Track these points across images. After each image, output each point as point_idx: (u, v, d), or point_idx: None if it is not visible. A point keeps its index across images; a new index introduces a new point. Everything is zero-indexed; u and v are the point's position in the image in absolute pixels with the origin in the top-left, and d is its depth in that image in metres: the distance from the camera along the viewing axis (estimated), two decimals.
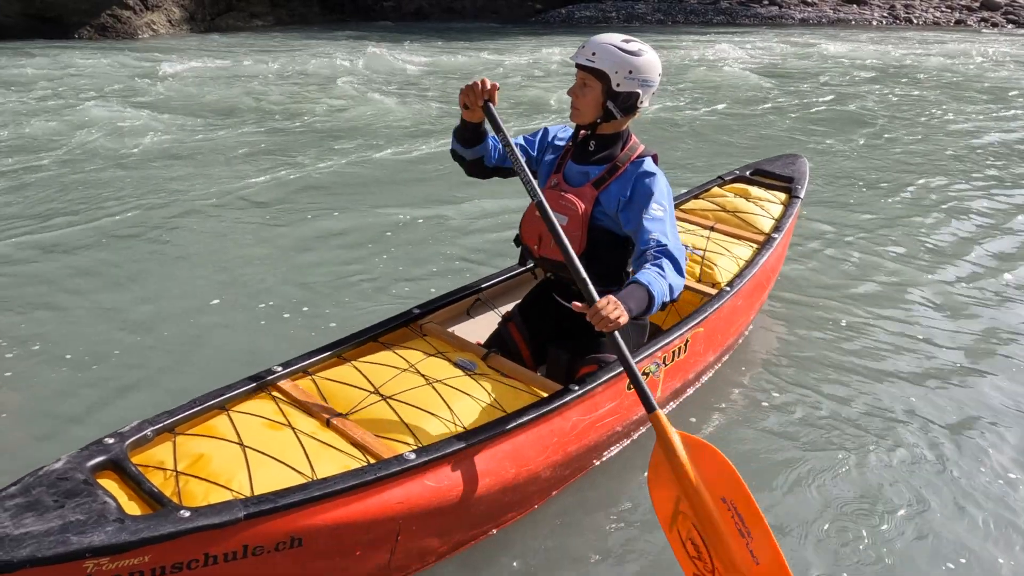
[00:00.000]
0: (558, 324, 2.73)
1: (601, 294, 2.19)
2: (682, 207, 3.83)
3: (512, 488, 2.25)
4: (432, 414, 2.22)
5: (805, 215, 5.32)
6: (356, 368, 2.39)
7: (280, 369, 2.33)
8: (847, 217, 5.55)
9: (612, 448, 2.71)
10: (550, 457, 2.33)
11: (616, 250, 2.53)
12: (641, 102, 2.42)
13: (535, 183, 2.28)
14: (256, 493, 1.83)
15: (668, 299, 2.27)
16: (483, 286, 3.00)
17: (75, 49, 14.26)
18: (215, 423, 2.09)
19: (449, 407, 2.26)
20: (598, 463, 2.67)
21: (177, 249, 4.67)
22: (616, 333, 2.14)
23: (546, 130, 2.70)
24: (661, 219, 2.41)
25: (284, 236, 4.91)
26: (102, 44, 15.60)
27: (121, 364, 3.34)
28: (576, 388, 2.39)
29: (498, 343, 2.77)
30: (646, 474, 2.19)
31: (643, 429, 2.86)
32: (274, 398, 2.24)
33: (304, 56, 13.98)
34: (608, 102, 2.38)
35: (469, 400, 2.30)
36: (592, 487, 2.62)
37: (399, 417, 2.20)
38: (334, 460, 2.01)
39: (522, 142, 2.65)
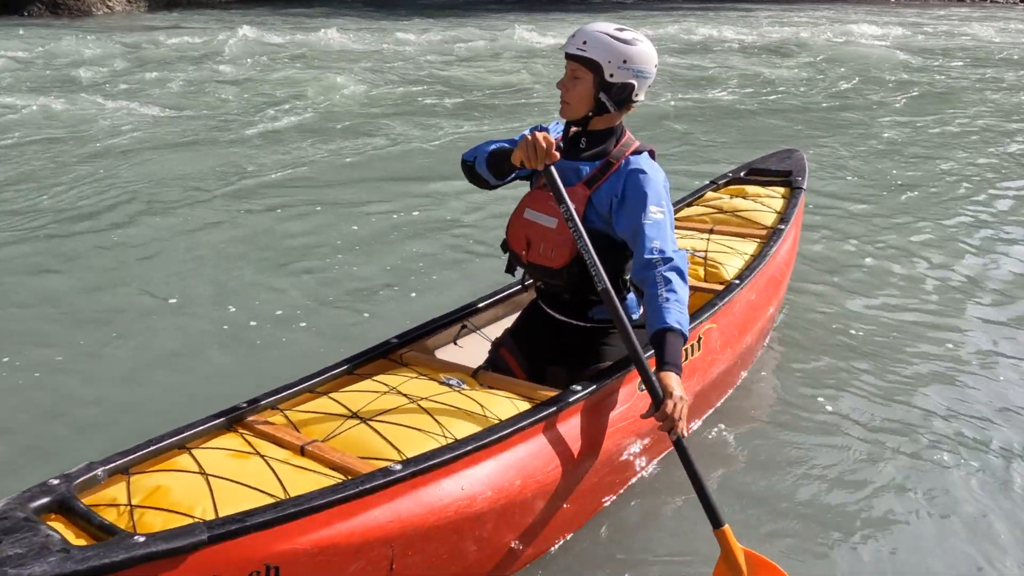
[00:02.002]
0: (554, 341, 2.71)
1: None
2: (676, 216, 3.87)
3: (520, 506, 2.19)
4: (420, 430, 2.17)
5: (811, 207, 5.40)
6: (331, 399, 2.37)
7: (245, 405, 2.30)
8: (857, 211, 5.65)
9: (647, 463, 2.63)
10: (559, 468, 2.26)
11: (612, 255, 2.52)
12: (636, 95, 2.45)
13: (581, 229, 2.29)
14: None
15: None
16: (470, 311, 3.00)
17: (26, 27, 14.33)
18: (176, 460, 2.04)
19: (438, 422, 2.21)
20: (634, 480, 2.58)
21: (130, 259, 4.69)
22: (646, 367, 2.24)
23: (540, 127, 2.69)
24: (661, 223, 2.41)
25: (249, 245, 4.95)
26: (54, 22, 15.74)
27: (67, 402, 3.27)
28: (578, 388, 2.37)
29: (491, 370, 2.71)
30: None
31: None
32: (240, 433, 2.21)
33: (270, 35, 14.16)
34: (600, 94, 2.41)
35: (461, 413, 2.26)
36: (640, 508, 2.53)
37: (382, 437, 2.16)
38: (311, 482, 1.95)
39: (514, 144, 2.61)
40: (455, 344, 2.95)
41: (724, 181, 4.25)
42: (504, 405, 2.34)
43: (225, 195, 5.90)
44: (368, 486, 1.90)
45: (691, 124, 8.96)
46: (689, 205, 4.02)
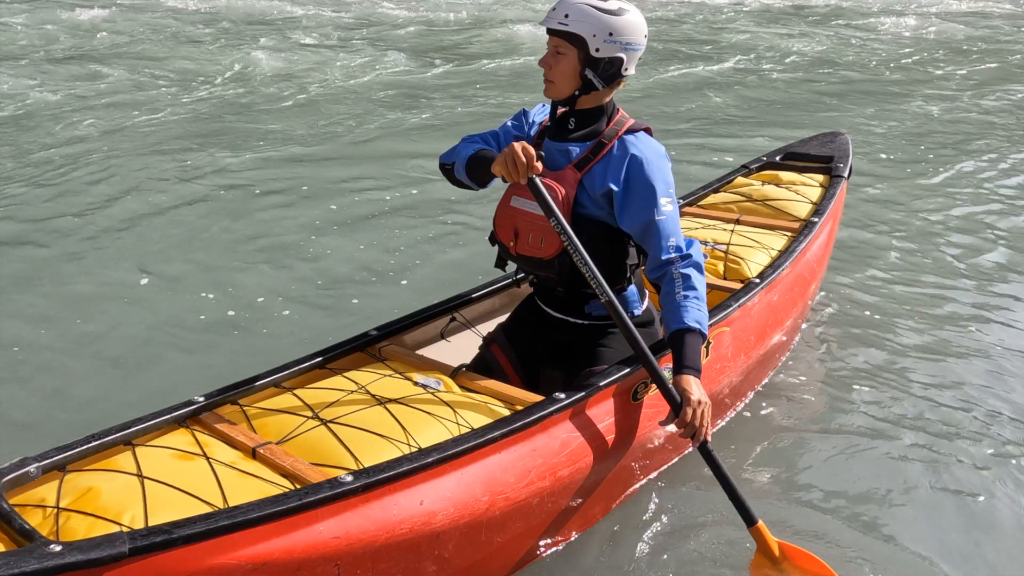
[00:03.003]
0: (549, 340, 2.64)
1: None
2: (700, 203, 3.75)
3: (487, 524, 2.12)
4: (382, 436, 2.11)
5: (853, 192, 5.23)
6: (296, 396, 2.32)
7: (202, 400, 2.27)
8: (901, 198, 5.44)
9: (631, 480, 2.55)
10: (535, 484, 2.18)
11: (609, 244, 2.47)
12: (625, 69, 2.40)
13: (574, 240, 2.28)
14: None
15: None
16: (460, 302, 2.92)
17: None
18: (116, 459, 2.01)
19: (403, 428, 2.15)
20: (623, 499, 2.52)
21: (96, 242, 4.64)
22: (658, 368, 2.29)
23: (524, 113, 2.68)
24: (673, 216, 2.40)
25: (226, 228, 4.90)
26: None
27: (22, 393, 3.26)
28: (562, 396, 2.28)
29: (480, 369, 2.67)
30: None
31: (675, 459, 2.72)
32: (192, 430, 2.18)
33: (247, 2, 14.10)
34: (587, 71, 2.35)
35: (430, 419, 2.19)
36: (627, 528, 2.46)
37: (340, 441, 2.10)
38: (254, 490, 1.90)
39: (500, 134, 2.59)
40: (443, 338, 2.89)
41: (757, 166, 4.08)
42: (480, 411, 2.27)
43: (200, 175, 5.85)
44: (311, 499, 1.84)
45: (725, 98, 8.67)
46: (716, 191, 3.87)
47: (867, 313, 3.91)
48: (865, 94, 9.12)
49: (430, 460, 2.01)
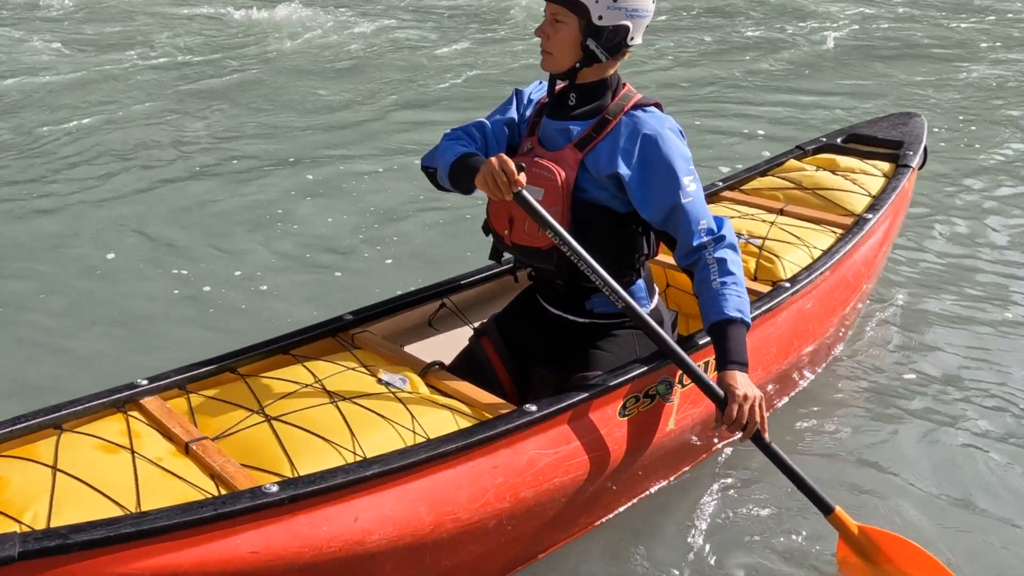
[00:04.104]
0: (546, 339, 2.56)
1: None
2: (742, 188, 3.56)
3: (433, 547, 2.04)
4: (326, 440, 2.06)
5: (926, 193, 4.93)
6: (248, 385, 2.29)
7: (146, 383, 2.24)
8: (976, 191, 5.07)
9: (609, 506, 2.46)
10: (492, 505, 2.11)
11: (614, 232, 2.38)
12: (631, 38, 2.31)
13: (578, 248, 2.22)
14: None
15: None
16: (451, 287, 2.84)
17: None
18: (38, 446, 2.00)
19: (351, 432, 2.09)
20: (596, 525, 2.43)
21: (65, 214, 4.62)
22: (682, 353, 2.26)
23: (518, 93, 2.60)
24: (698, 195, 2.35)
25: (188, 201, 4.81)
26: None
27: None
28: (533, 408, 2.18)
29: (468, 364, 2.60)
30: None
31: (662, 483, 2.61)
32: (128, 417, 2.15)
33: None
34: (588, 41, 2.27)
35: (383, 424, 2.12)
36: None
37: (279, 442, 2.05)
38: (173, 493, 1.87)
39: (486, 126, 2.50)
40: (430, 325, 2.82)
41: (813, 147, 3.86)
42: (441, 418, 2.19)
43: (175, 142, 5.81)
44: (228, 509, 1.79)
45: (781, 65, 8.21)
46: (763, 174, 3.66)
47: (928, 323, 3.71)
48: (961, 63, 8.54)
49: (368, 474, 1.94)
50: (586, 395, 2.26)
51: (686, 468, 2.69)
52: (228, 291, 3.86)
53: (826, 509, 2.31)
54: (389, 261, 4.18)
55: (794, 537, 2.52)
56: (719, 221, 2.36)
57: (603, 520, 2.49)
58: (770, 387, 2.79)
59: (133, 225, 4.48)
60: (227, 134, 5.96)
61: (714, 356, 2.31)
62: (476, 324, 2.74)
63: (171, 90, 7.25)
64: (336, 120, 6.44)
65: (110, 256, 4.03)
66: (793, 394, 3.11)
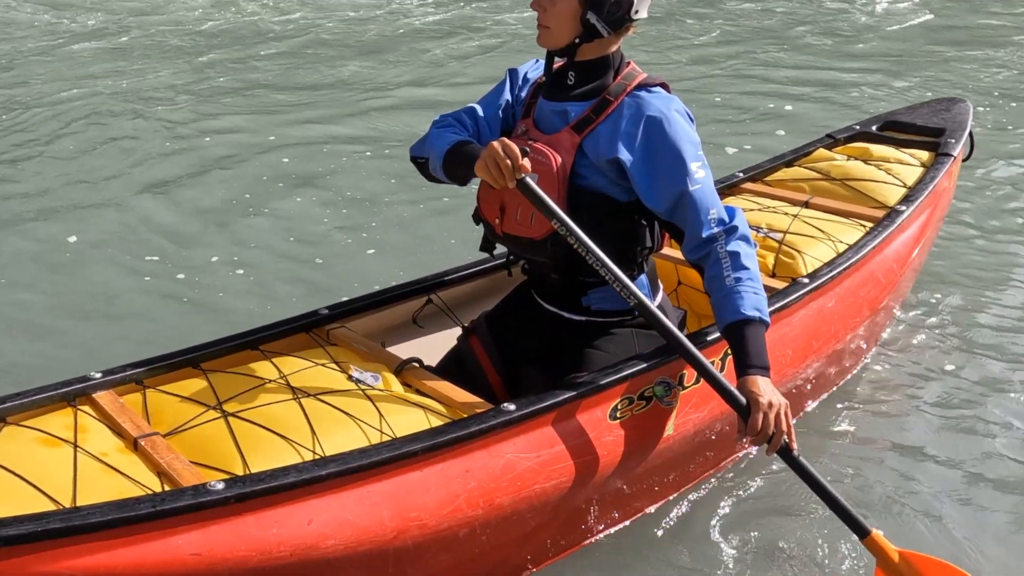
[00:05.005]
0: (539, 336, 2.51)
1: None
2: (765, 179, 3.48)
3: (396, 555, 1.98)
4: (284, 438, 2.01)
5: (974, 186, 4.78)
6: (209, 380, 2.25)
7: (99, 376, 2.22)
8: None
9: (599, 517, 2.38)
10: (463, 512, 2.04)
11: (614, 222, 2.33)
12: (635, 11, 2.27)
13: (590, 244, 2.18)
14: None
15: None
16: (438, 282, 2.81)
17: None
18: None
19: (312, 430, 2.04)
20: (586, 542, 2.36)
21: (27, 191, 4.55)
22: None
23: (512, 73, 2.56)
24: (707, 182, 2.28)
25: (159, 184, 4.73)
26: None
27: None
28: (512, 408, 2.12)
29: (455, 365, 2.57)
30: None
31: (662, 498, 2.55)
32: (78, 411, 2.13)
33: None
34: (588, 14, 2.24)
35: (348, 422, 2.07)
36: None
37: (234, 439, 2.02)
38: (113, 489, 1.83)
39: (478, 112, 2.48)
40: (415, 323, 2.78)
41: (846, 135, 3.78)
42: (412, 417, 2.14)
43: (146, 122, 5.77)
44: (168, 507, 1.76)
45: (815, 45, 7.97)
46: (789, 164, 3.59)
47: (974, 328, 3.61)
48: (1014, 46, 8.28)
49: (324, 473, 1.89)
50: (572, 394, 2.19)
51: (689, 483, 2.61)
52: (201, 280, 3.84)
53: (862, 532, 2.19)
54: (371, 251, 4.12)
55: (823, 564, 2.41)
56: (731, 211, 2.29)
57: (595, 538, 2.42)
58: (785, 395, 2.69)
59: (100, 207, 4.45)
60: (201, 115, 5.94)
61: (730, 354, 2.24)
62: (465, 322, 2.70)
63: (143, 70, 7.25)
64: (317, 102, 6.40)
65: (72, 239, 4.00)
66: (817, 402, 3.01)
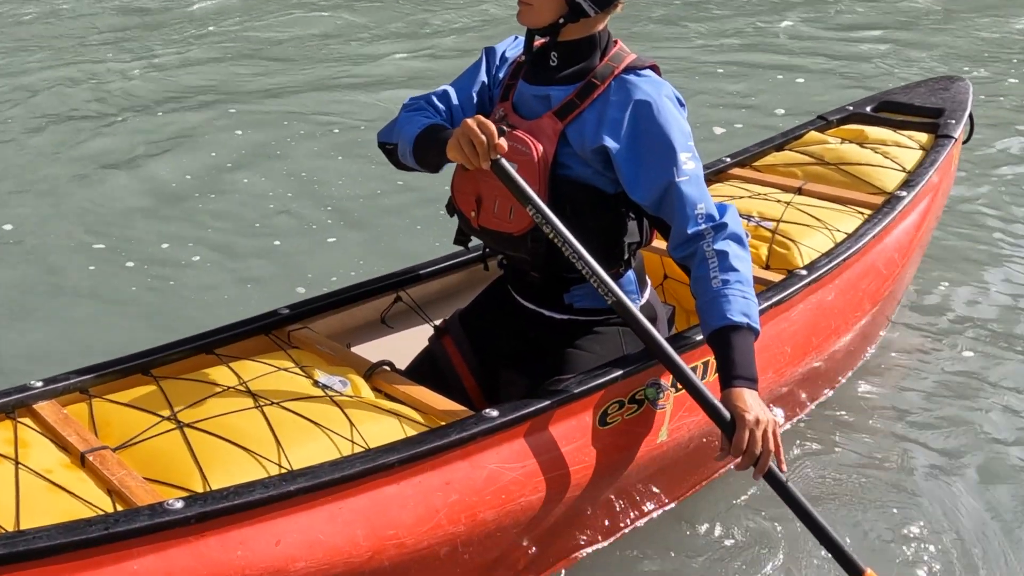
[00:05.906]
0: (519, 337, 2.50)
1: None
2: (754, 164, 3.50)
3: (370, 575, 1.96)
4: (246, 449, 1.97)
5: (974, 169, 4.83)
6: (161, 388, 2.21)
7: (40, 385, 2.16)
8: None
9: (583, 533, 2.38)
10: (444, 528, 2.01)
11: (599, 215, 2.32)
12: None
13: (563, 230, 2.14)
14: None
15: None
16: (408, 278, 2.79)
17: None
18: None
19: (277, 440, 2.00)
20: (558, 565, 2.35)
21: None
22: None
23: (488, 52, 2.52)
24: (696, 175, 2.26)
25: (107, 162, 4.66)
26: None
27: None
28: (494, 414, 2.10)
29: (427, 368, 2.55)
30: None
31: (656, 510, 2.54)
32: (18, 424, 2.07)
33: None
34: None
35: (316, 432, 2.03)
36: None
37: (191, 452, 1.97)
38: (60, 510, 1.78)
39: (452, 95, 2.44)
40: (383, 323, 2.77)
41: (839, 117, 3.83)
42: (386, 426, 2.11)
43: (96, 102, 5.67)
44: (121, 529, 1.70)
45: (805, 22, 8.07)
46: (779, 148, 3.63)
47: (979, 321, 3.66)
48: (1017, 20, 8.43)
49: (292, 488, 1.85)
50: (559, 399, 2.17)
51: (685, 493, 2.61)
52: (151, 271, 3.77)
53: (854, 571, 2.14)
54: (332, 240, 4.07)
55: None
56: (722, 208, 2.26)
57: (584, 552, 2.41)
58: (784, 395, 2.72)
59: (37, 192, 4.33)
60: (157, 96, 5.84)
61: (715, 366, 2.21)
62: (437, 322, 2.68)
63: (94, 47, 7.15)
64: (276, 75, 6.33)
65: (7, 227, 3.91)
66: (813, 406, 3.02)
